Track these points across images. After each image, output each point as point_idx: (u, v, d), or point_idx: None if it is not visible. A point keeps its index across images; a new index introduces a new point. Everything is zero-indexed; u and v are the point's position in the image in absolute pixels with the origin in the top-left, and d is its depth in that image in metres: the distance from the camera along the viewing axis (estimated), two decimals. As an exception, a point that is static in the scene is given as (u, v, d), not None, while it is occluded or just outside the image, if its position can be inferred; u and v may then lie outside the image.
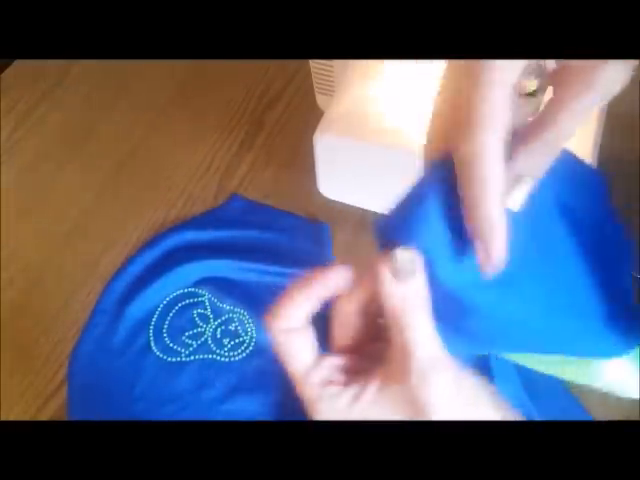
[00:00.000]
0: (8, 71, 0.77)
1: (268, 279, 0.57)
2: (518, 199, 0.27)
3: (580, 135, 0.54)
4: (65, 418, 0.52)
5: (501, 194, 0.25)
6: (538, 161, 0.27)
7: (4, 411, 0.52)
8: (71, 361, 0.54)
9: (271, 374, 0.52)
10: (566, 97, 0.27)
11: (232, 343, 0.54)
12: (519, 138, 0.27)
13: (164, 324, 0.56)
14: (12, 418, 0.52)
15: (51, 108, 0.74)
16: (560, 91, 0.27)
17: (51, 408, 0.53)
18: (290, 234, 0.60)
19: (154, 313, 0.56)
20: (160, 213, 0.64)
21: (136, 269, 0.59)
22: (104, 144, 0.70)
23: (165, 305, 0.56)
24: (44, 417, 0.52)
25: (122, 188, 0.66)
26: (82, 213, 0.65)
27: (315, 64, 0.61)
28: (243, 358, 0.54)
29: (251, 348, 0.54)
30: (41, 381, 0.54)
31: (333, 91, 0.62)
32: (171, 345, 0.54)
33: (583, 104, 0.27)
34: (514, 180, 0.27)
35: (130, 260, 0.59)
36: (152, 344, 0.55)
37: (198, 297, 0.57)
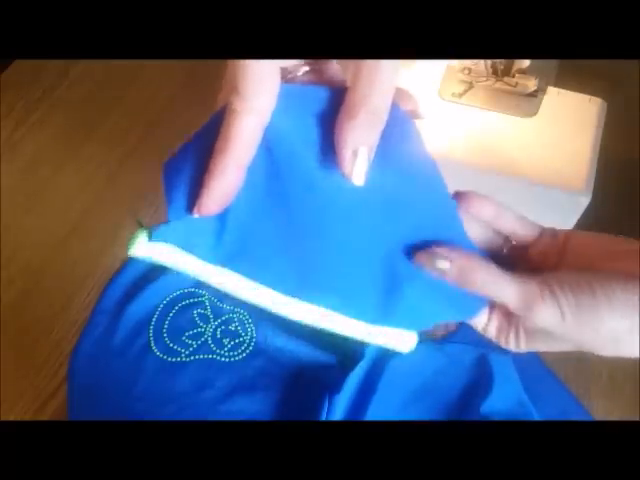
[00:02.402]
0: (8, 71, 0.77)
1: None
2: (361, 172, 0.28)
3: (580, 135, 0.54)
4: (65, 418, 0.52)
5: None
6: (368, 132, 0.27)
7: (4, 411, 0.52)
8: (71, 361, 0.54)
9: (271, 374, 0.52)
10: (358, 79, 0.27)
11: (232, 343, 0.54)
12: (341, 113, 0.27)
13: (164, 324, 0.56)
14: (12, 418, 0.52)
15: (51, 108, 0.74)
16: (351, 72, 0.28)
17: (51, 408, 0.53)
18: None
19: (154, 313, 0.56)
20: (160, 213, 0.64)
21: (136, 269, 0.59)
22: (104, 144, 0.70)
23: (165, 305, 0.56)
24: (44, 417, 0.52)
25: (122, 188, 0.66)
26: (82, 213, 0.64)
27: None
28: (243, 358, 0.54)
29: (251, 348, 0.54)
30: (41, 381, 0.54)
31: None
32: (171, 345, 0.54)
33: (379, 77, 0.27)
34: (352, 155, 0.27)
35: (130, 260, 0.59)
36: (152, 344, 0.54)
37: (198, 297, 0.57)
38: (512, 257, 0.35)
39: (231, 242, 0.31)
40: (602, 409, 0.50)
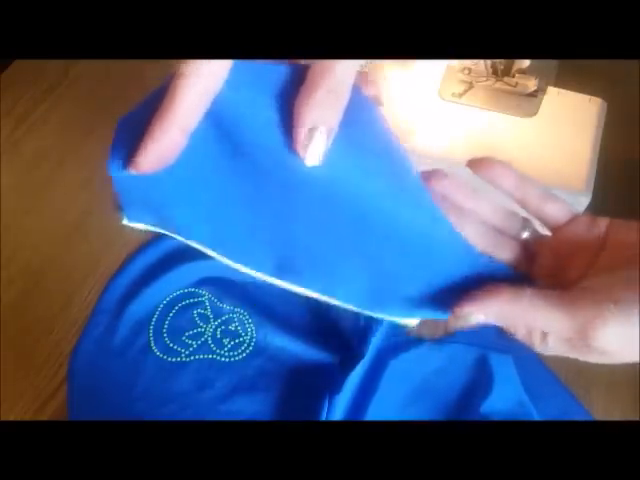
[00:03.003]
0: (8, 71, 0.77)
1: (267, 278, 0.57)
2: (316, 152, 0.26)
3: (580, 135, 0.54)
4: (65, 418, 0.51)
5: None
6: (328, 111, 0.26)
7: (4, 411, 0.52)
8: (71, 361, 0.54)
9: (271, 374, 0.52)
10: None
11: (232, 343, 0.54)
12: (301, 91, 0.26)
13: (164, 324, 0.56)
14: (12, 418, 0.52)
15: (51, 108, 0.73)
16: None
17: (51, 408, 0.53)
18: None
19: (154, 313, 0.56)
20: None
21: (136, 269, 0.59)
22: (104, 144, 0.70)
23: (165, 305, 0.56)
24: (44, 417, 0.52)
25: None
26: (82, 213, 0.64)
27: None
28: (243, 358, 0.54)
29: (251, 348, 0.54)
30: (41, 381, 0.54)
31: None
32: (171, 345, 0.54)
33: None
34: (308, 134, 0.26)
35: (130, 260, 0.59)
36: (152, 344, 0.54)
37: (198, 297, 0.57)
38: (536, 244, 0.32)
39: (204, 222, 0.31)
40: (602, 409, 0.50)
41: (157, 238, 0.61)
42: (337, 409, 0.46)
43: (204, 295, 0.57)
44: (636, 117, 0.63)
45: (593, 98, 0.56)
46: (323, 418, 0.46)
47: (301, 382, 0.52)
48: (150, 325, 0.55)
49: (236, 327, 0.55)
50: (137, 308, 0.56)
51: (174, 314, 0.56)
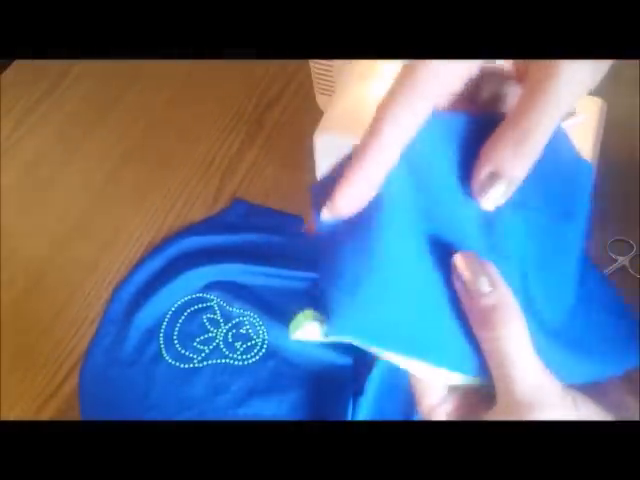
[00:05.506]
0: (8, 71, 0.77)
1: (275, 281, 0.57)
2: (494, 198, 0.25)
3: (580, 135, 0.54)
4: (65, 417, 0.51)
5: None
6: (512, 162, 0.25)
7: (4, 411, 0.52)
8: (81, 373, 0.54)
9: (286, 375, 0.52)
10: (535, 93, 0.25)
11: (244, 346, 0.54)
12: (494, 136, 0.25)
13: (174, 331, 0.55)
14: (12, 418, 0.52)
15: (51, 108, 0.74)
16: (528, 86, 0.26)
17: (51, 408, 0.53)
18: (294, 236, 0.60)
19: (163, 320, 0.56)
20: (160, 213, 0.64)
21: (143, 276, 0.58)
22: (104, 144, 0.70)
23: (174, 311, 0.56)
24: (44, 417, 0.52)
25: (122, 188, 0.66)
26: (82, 213, 0.64)
27: (315, 64, 0.61)
28: (257, 360, 0.53)
29: (264, 350, 0.54)
30: (41, 381, 0.54)
31: (333, 91, 0.62)
32: (183, 352, 0.54)
33: (552, 101, 0.25)
34: (489, 179, 0.25)
35: (136, 268, 0.59)
36: (163, 351, 0.54)
37: (207, 302, 0.56)
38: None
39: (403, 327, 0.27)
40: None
41: (162, 245, 0.60)
42: (362, 410, 0.46)
43: (212, 300, 0.56)
44: (636, 117, 0.63)
45: (593, 98, 0.56)
46: (349, 419, 0.46)
47: (318, 383, 0.51)
48: (160, 332, 0.55)
49: (247, 330, 0.55)
50: (146, 316, 0.55)
51: (184, 320, 0.56)
